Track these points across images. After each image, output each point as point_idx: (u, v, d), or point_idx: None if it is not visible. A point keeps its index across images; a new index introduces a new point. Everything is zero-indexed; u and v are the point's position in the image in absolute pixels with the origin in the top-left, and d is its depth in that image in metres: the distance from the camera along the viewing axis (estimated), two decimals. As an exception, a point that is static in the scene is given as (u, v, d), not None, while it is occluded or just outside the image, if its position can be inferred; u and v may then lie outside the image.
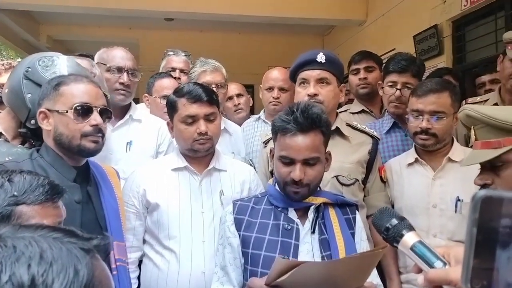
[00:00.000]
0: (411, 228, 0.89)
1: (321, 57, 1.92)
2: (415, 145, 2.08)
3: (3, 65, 2.78)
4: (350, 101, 3.21)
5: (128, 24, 7.32)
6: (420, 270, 0.83)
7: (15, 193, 1.01)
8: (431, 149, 1.99)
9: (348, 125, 2.04)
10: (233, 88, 3.07)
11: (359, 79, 2.81)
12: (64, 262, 0.55)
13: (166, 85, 2.71)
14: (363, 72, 2.81)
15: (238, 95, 3.08)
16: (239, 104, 3.06)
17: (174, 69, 2.99)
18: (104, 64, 2.27)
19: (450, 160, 1.97)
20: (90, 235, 0.62)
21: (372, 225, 1.00)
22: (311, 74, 1.93)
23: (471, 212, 0.57)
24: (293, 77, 2.05)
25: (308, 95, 1.90)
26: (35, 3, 5.81)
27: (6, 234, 0.57)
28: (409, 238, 0.86)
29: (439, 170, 1.98)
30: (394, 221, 0.90)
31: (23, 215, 1.00)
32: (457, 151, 1.98)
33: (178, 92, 1.84)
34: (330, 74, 1.94)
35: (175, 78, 2.84)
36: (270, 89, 2.68)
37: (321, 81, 1.92)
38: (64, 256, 0.55)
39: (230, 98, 3.05)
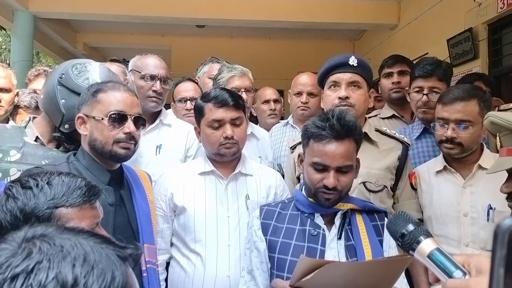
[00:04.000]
0: (428, 234, 0.83)
1: (353, 60, 1.90)
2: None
3: (33, 72, 2.90)
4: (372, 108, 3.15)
5: (161, 31, 7.47)
6: (437, 280, 0.79)
7: (54, 197, 1.04)
8: (457, 157, 1.93)
9: (377, 130, 2.01)
10: (271, 93, 3.15)
11: (392, 83, 2.76)
12: (104, 266, 0.56)
13: (181, 89, 2.82)
14: (397, 76, 2.76)
15: (275, 101, 3.14)
16: (275, 109, 3.12)
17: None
18: (138, 72, 2.32)
19: (480, 167, 1.91)
20: (124, 244, 0.64)
21: (386, 230, 0.95)
22: (343, 77, 1.91)
23: (496, 247, 0.47)
24: (321, 81, 2.02)
25: (340, 97, 1.88)
26: (73, 11, 6.02)
27: (53, 233, 0.59)
28: (426, 246, 0.81)
29: (469, 178, 1.92)
30: (410, 227, 0.84)
31: (62, 217, 1.03)
32: (488, 158, 1.91)
33: (205, 97, 1.87)
34: (361, 78, 1.92)
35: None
36: (299, 94, 2.68)
37: (352, 84, 1.90)
38: (104, 261, 0.57)
39: (267, 101, 3.11)
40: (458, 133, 1.88)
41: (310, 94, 2.65)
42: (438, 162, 2.04)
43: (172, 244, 1.88)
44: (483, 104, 1.89)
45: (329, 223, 1.53)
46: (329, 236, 1.50)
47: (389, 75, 2.79)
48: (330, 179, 1.43)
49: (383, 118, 2.75)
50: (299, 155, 1.61)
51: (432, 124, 2.02)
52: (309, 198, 1.54)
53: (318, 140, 1.46)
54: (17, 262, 0.53)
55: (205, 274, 1.74)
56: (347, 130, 1.45)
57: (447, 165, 1.98)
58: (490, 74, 4.04)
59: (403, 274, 1.46)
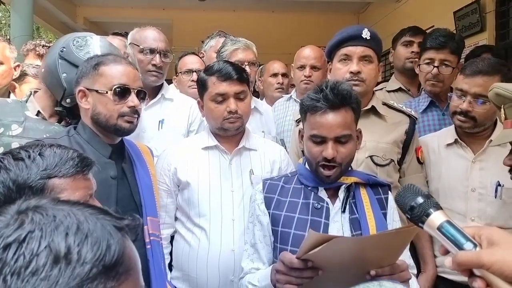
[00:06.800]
0: (438, 206, 0.82)
1: (366, 33, 1.85)
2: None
3: (25, 47, 2.81)
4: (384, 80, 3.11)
5: (162, 5, 7.36)
6: (447, 252, 0.78)
7: (47, 167, 1.02)
8: (468, 131, 1.91)
9: (385, 104, 1.98)
10: (280, 67, 3.18)
11: (412, 52, 2.71)
12: (98, 235, 0.56)
13: (187, 61, 2.79)
14: (417, 46, 2.70)
15: (284, 75, 3.15)
16: (282, 83, 3.12)
17: None
18: (137, 45, 2.28)
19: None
20: (121, 215, 0.64)
21: (395, 203, 0.94)
22: (355, 50, 1.87)
23: None
24: (330, 53, 1.98)
25: (351, 72, 1.85)
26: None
27: (47, 205, 0.60)
28: (436, 218, 0.80)
29: (479, 153, 1.90)
30: (420, 200, 0.83)
31: (55, 188, 1.02)
32: None
33: (208, 70, 1.83)
34: (373, 52, 1.88)
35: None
36: (302, 67, 2.64)
37: (364, 58, 1.87)
38: (99, 230, 0.57)
39: (275, 75, 3.13)
40: (474, 107, 1.84)
41: (313, 67, 2.62)
42: (449, 134, 2.01)
43: (176, 219, 1.88)
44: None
45: (333, 196, 1.51)
46: (333, 210, 1.48)
47: (410, 44, 2.74)
48: (328, 150, 1.41)
49: (389, 91, 2.72)
50: (299, 131, 1.59)
51: (449, 94, 1.99)
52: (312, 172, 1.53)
53: (314, 112, 1.44)
54: (9, 232, 0.54)
55: (210, 248, 1.75)
56: (342, 99, 1.42)
57: (458, 139, 1.96)
58: (497, 47, 3.96)
59: (407, 247, 1.46)
